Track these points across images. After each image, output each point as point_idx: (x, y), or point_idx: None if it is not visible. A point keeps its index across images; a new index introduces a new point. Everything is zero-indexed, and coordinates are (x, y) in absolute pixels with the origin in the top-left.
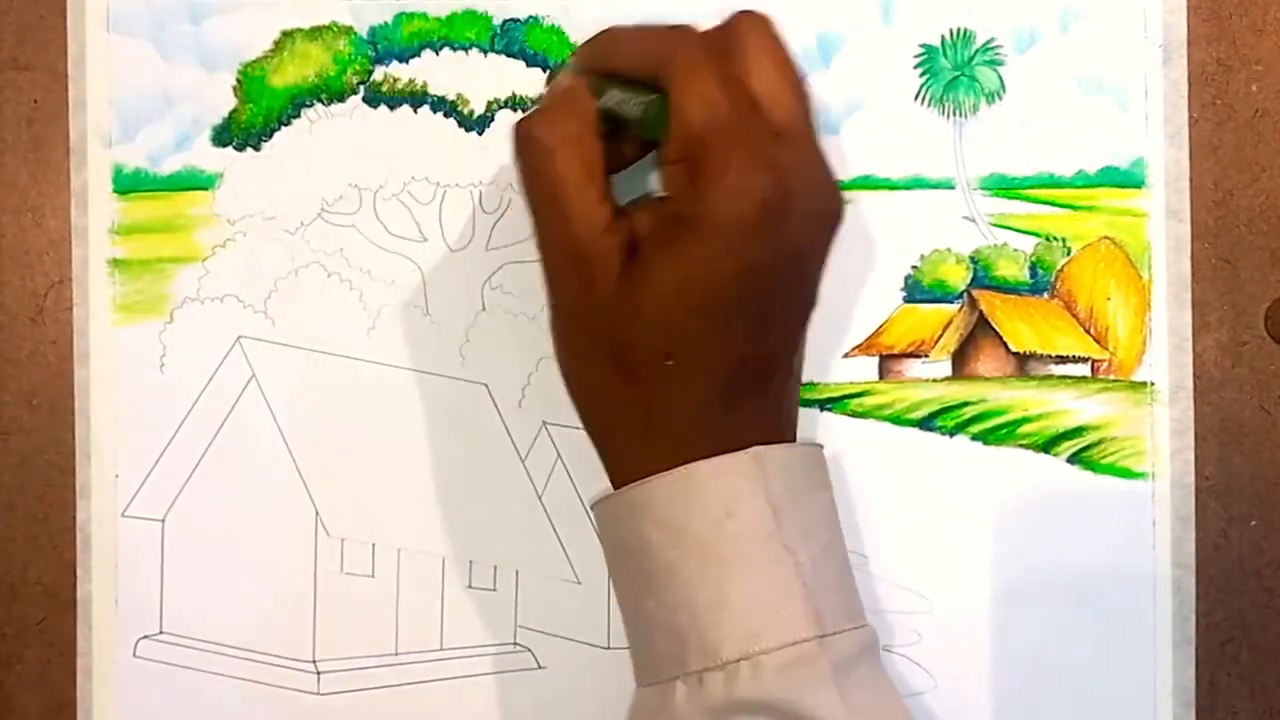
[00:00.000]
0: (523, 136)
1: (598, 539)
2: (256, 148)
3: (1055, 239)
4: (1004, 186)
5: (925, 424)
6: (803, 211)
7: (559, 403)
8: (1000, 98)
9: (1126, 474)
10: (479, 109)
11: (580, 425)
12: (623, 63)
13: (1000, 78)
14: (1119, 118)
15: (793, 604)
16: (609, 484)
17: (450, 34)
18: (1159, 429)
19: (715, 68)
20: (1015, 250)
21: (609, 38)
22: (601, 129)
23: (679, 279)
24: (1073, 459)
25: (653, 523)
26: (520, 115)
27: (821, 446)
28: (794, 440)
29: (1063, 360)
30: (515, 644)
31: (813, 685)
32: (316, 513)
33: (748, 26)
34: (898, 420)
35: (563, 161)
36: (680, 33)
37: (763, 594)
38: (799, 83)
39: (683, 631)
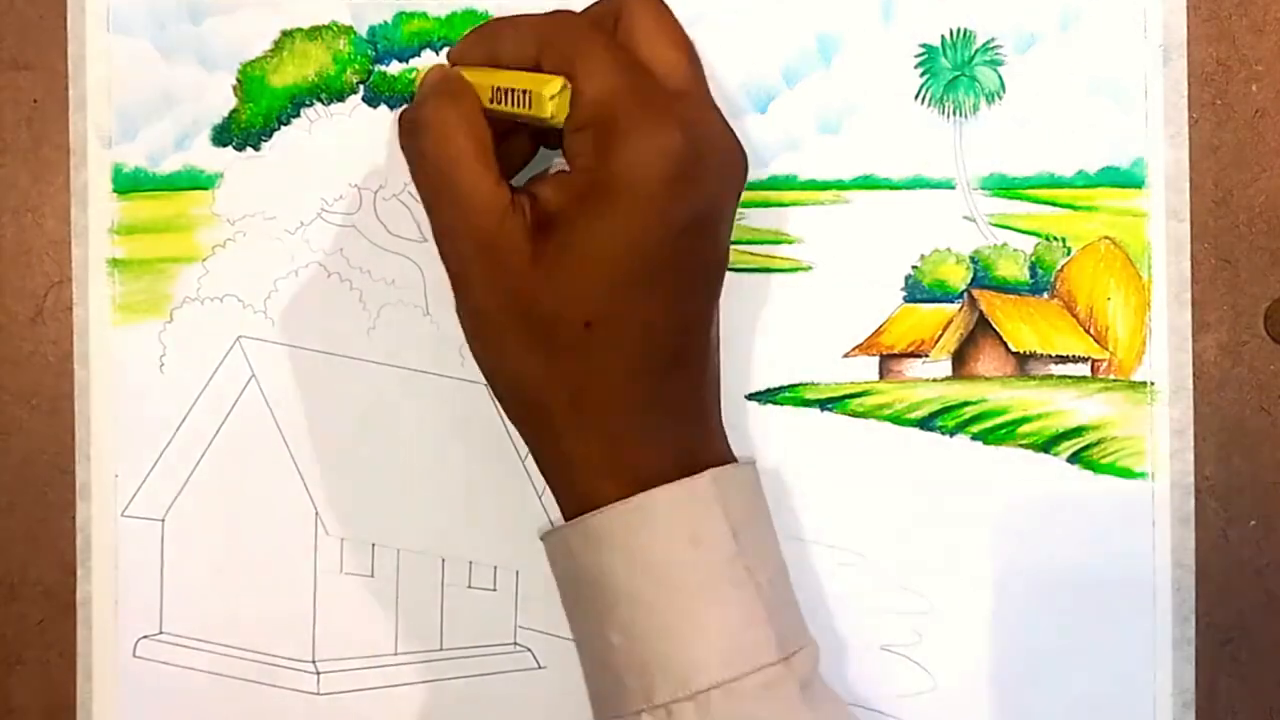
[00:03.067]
0: (410, 122)
1: None
2: (256, 148)
3: (1055, 239)
4: (1004, 186)
5: (925, 424)
6: (713, 167)
7: None
8: (1000, 98)
9: (1126, 474)
10: None
11: None
12: (507, 50)
13: (1000, 78)
14: (1119, 118)
15: (759, 628)
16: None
17: (450, 34)
18: (1159, 429)
19: (604, 40)
20: (1015, 250)
21: (490, 29)
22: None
23: (600, 246)
24: (1073, 459)
25: (613, 552)
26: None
27: (754, 461)
28: (723, 435)
29: (1063, 360)
30: (515, 644)
31: (786, 706)
32: (316, 513)
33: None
34: (898, 420)
35: (456, 145)
36: (562, 14)
37: (730, 619)
38: (688, 47)
39: (647, 662)
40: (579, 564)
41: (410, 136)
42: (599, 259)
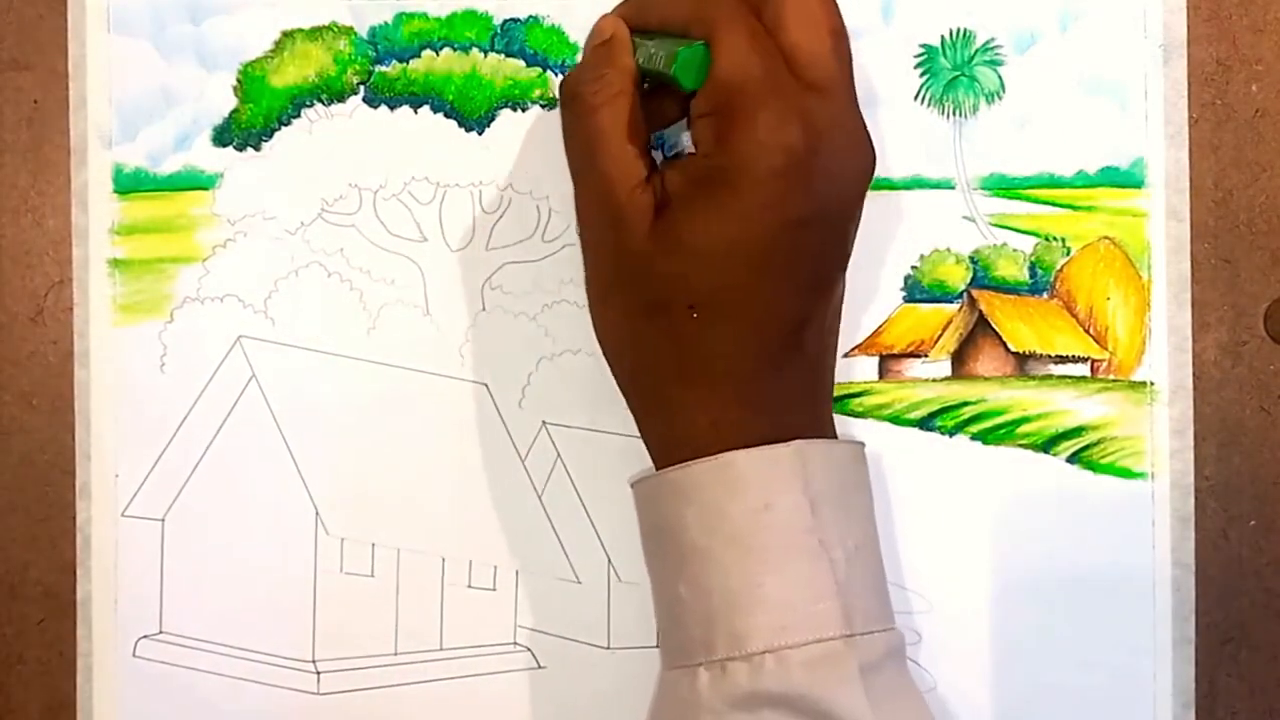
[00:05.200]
0: (567, 93)
1: (597, 538)
2: (256, 148)
3: (1055, 239)
4: (1004, 186)
5: (925, 424)
6: (833, 168)
7: (559, 402)
8: (1000, 98)
9: (1126, 474)
10: (479, 109)
11: (580, 425)
12: (658, 16)
13: (1000, 78)
14: (1119, 118)
15: (824, 600)
16: (609, 482)
17: (450, 34)
18: (1159, 429)
19: (748, 22)
20: (1015, 250)
21: None
22: (642, 85)
23: (705, 234)
24: (1072, 459)
25: (691, 506)
26: (565, 73)
27: (863, 444)
28: (831, 423)
29: (1062, 360)
30: (515, 644)
31: (838, 683)
32: (316, 513)
33: None
34: (898, 420)
35: (604, 117)
36: None
37: (794, 588)
38: (836, 37)
39: (711, 618)
40: (660, 514)
41: (565, 104)
42: (704, 247)
